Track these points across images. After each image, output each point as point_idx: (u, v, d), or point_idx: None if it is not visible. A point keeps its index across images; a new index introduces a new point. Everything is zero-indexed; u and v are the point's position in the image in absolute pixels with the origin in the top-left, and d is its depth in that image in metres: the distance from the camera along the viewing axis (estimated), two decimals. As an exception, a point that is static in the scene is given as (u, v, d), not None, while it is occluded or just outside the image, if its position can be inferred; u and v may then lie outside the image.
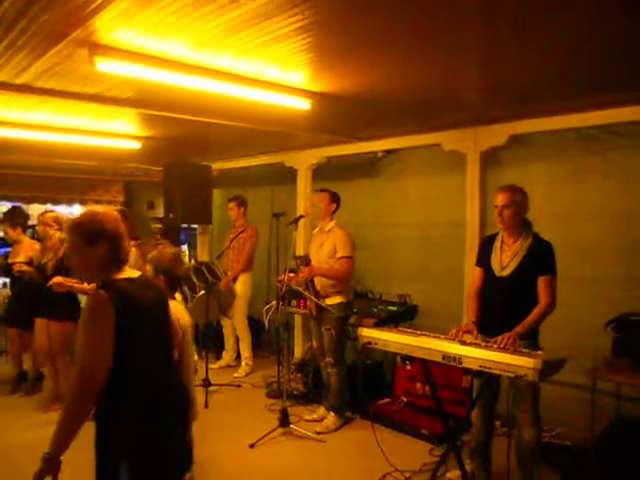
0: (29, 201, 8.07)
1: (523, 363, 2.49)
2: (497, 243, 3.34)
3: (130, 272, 2.05)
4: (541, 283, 3.13)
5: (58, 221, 4.73)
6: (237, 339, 6.05)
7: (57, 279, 4.26)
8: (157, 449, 1.94)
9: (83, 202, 8.63)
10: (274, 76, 3.30)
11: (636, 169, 3.91)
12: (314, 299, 4.36)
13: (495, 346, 2.83)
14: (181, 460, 2.14)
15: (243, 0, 2.20)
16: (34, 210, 8.95)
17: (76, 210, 8.60)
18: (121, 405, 1.89)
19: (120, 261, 2.01)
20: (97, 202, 8.60)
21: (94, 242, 1.93)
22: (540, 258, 3.16)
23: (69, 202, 8.61)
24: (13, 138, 5.11)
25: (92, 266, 1.97)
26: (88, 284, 2.08)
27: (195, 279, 5.10)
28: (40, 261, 4.69)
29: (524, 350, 2.75)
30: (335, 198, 4.57)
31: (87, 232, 1.94)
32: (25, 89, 3.55)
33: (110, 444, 1.90)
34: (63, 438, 1.78)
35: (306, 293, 4.41)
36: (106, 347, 1.81)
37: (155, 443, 1.94)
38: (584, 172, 4.22)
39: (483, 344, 2.89)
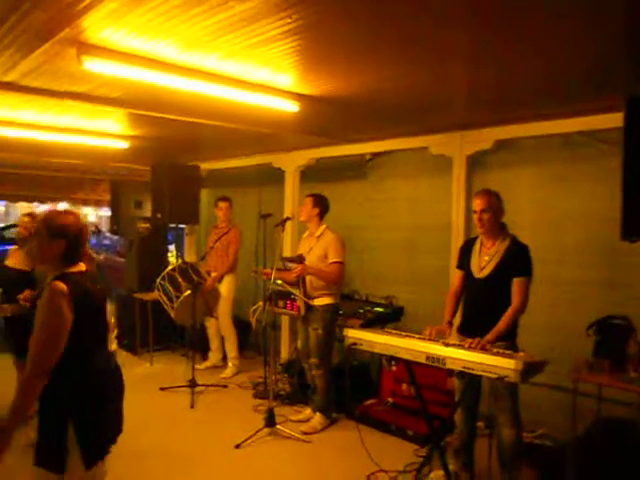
0: (15, 200, 8.00)
1: (505, 364, 2.52)
2: (476, 246, 3.43)
3: (80, 266, 2.29)
4: (515, 285, 3.20)
5: None
6: (222, 339, 6.05)
7: None
8: (101, 412, 2.20)
9: (69, 201, 8.56)
10: (262, 78, 3.32)
11: (619, 175, 3.97)
12: (303, 297, 4.37)
13: (466, 346, 2.88)
14: (116, 427, 2.34)
15: (231, 3, 2.22)
16: (22, 209, 8.87)
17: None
18: (69, 377, 2.11)
19: (74, 259, 2.24)
20: (84, 201, 8.56)
21: (54, 237, 2.18)
22: (516, 260, 3.24)
23: (55, 201, 8.53)
24: (-2, 136, 5.07)
25: (46, 256, 2.22)
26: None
27: (181, 279, 5.09)
28: None
29: (506, 352, 2.79)
30: (319, 202, 4.52)
31: (51, 227, 2.20)
32: (12, 87, 3.53)
33: (58, 404, 2.10)
34: (18, 413, 2.00)
35: (295, 292, 4.42)
36: (62, 334, 2.05)
37: (100, 407, 2.19)
38: (569, 178, 4.27)
39: (467, 345, 2.92)
